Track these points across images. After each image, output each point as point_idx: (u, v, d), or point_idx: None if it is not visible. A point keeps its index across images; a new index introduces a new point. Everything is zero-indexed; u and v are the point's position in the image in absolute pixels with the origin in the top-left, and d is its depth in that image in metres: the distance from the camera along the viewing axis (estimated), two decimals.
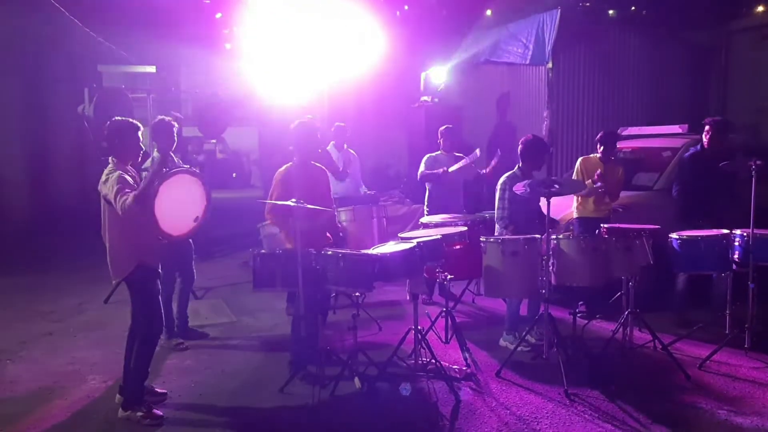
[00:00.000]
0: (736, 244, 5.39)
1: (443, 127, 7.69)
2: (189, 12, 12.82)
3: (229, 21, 12.70)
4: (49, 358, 5.81)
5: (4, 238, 10.02)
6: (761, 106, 10.76)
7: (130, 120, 4.56)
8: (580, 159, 6.85)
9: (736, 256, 5.40)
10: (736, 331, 5.44)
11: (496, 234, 5.87)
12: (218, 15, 13.06)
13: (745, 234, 5.32)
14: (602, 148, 6.66)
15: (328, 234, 5.40)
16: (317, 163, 5.55)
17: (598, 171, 6.48)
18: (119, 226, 4.36)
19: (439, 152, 7.56)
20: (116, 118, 4.61)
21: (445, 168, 7.28)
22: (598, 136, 6.78)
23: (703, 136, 6.51)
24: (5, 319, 6.99)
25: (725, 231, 5.50)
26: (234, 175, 16.09)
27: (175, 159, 5.88)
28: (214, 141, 14.04)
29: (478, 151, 7.45)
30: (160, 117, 5.83)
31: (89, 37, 11.03)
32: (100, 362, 5.65)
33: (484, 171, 7.46)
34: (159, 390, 4.90)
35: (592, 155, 6.81)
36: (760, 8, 10.83)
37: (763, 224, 5.32)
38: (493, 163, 7.33)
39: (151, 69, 12.52)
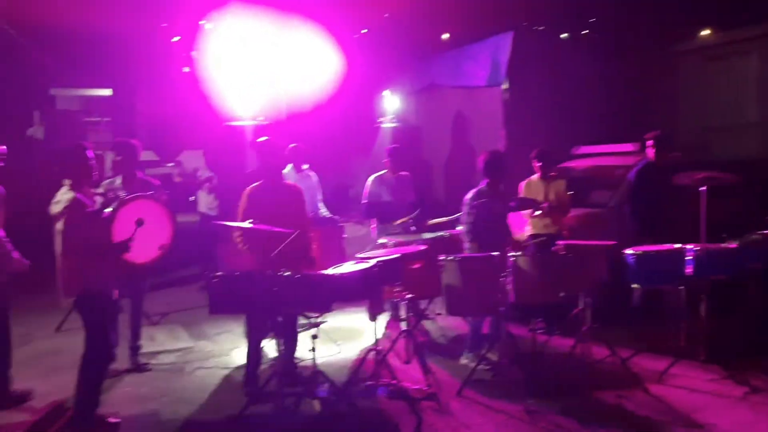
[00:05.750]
0: (689, 258, 5.49)
1: (389, 146, 7.68)
2: (146, 35, 12.68)
3: (187, 44, 12.60)
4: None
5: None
6: (707, 125, 11.11)
7: (81, 142, 4.47)
8: (522, 184, 6.94)
9: (688, 270, 5.50)
10: (690, 344, 5.53)
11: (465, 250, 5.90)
12: (176, 38, 12.94)
13: (697, 248, 5.43)
14: (540, 164, 6.77)
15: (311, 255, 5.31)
16: (289, 183, 5.48)
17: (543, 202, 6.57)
18: (72, 249, 4.24)
19: (384, 171, 7.52)
20: (73, 142, 4.53)
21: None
22: (533, 154, 6.88)
23: (648, 151, 6.66)
24: None
25: (678, 245, 5.61)
26: (191, 198, 15.78)
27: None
28: (171, 164, 13.81)
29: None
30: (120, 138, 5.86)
31: (40, 59, 10.80)
32: (52, 391, 5.42)
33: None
34: (112, 420, 4.73)
35: (533, 177, 6.90)
36: (706, 31, 11.21)
37: (715, 238, 5.45)
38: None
39: (107, 92, 12.35)
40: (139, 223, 4.29)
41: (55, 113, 9.42)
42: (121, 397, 5.31)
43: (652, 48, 11.60)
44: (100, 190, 5.56)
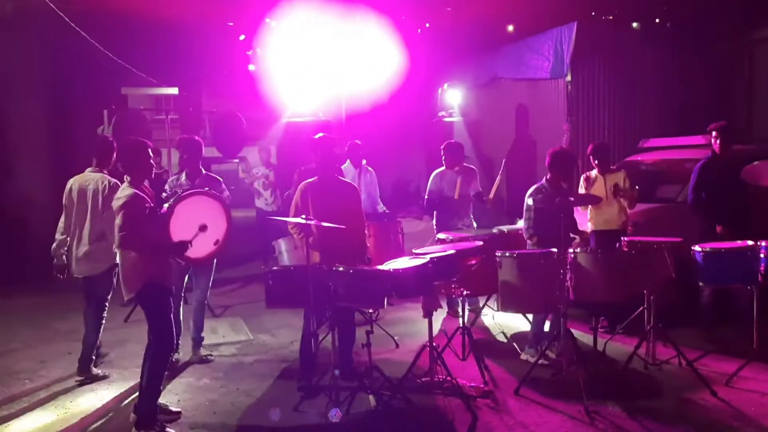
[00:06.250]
0: (762, 256, 5.21)
1: (446, 142, 7.60)
2: (213, 34, 12.99)
3: (252, 42, 12.85)
4: (67, 377, 5.82)
5: (32, 260, 10.15)
6: None
7: (141, 139, 4.60)
8: (582, 177, 6.76)
9: (762, 267, 5.22)
10: (762, 346, 5.26)
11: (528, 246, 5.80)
12: (242, 37, 13.21)
13: None
14: (596, 161, 6.57)
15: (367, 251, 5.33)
16: (345, 179, 5.51)
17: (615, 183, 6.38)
18: (131, 244, 4.37)
19: (443, 168, 7.46)
20: (130, 138, 4.67)
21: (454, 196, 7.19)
22: (589, 151, 6.68)
23: (712, 142, 6.36)
24: (27, 339, 7.06)
25: (750, 242, 5.34)
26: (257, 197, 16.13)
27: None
28: (236, 160, 14.13)
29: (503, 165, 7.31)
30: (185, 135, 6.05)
31: (112, 60, 11.22)
32: (116, 381, 5.66)
33: (487, 198, 7.32)
34: (173, 409, 4.87)
35: (592, 171, 6.70)
36: None
37: None
38: (494, 187, 7.21)
39: (174, 90, 12.71)
40: (203, 228, 4.38)
41: (123, 111, 9.75)
42: (182, 387, 5.46)
43: (728, 36, 11.08)
44: (166, 186, 5.75)
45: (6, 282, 9.43)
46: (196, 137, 6.06)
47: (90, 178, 5.54)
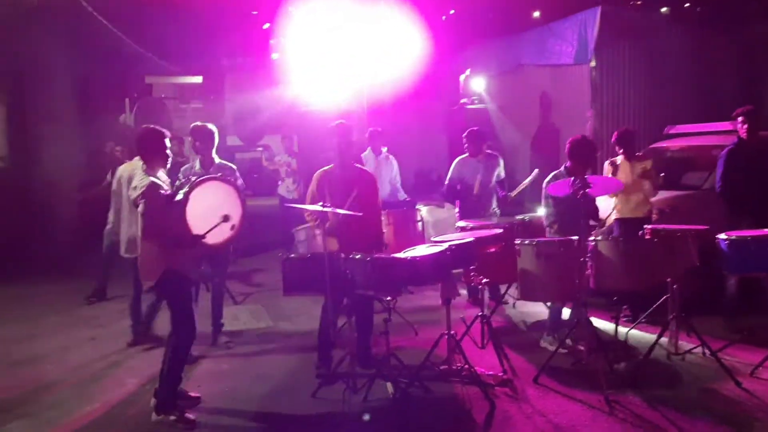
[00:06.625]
0: None
1: (468, 129, 7.51)
2: (237, 23, 13.03)
3: (276, 31, 12.85)
4: (90, 362, 5.92)
5: (58, 246, 10.33)
6: None
7: (157, 127, 4.61)
8: (606, 163, 6.65)
9: None
10: None
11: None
12: (266, 26, 13.23)
13: None
14: (621, 149, 6.45)
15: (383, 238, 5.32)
16: (361, 166, 5.48)
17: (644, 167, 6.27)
18: (150, 232, 4.40)
19: (466, 155, 7.39)
20: (146, 126, 4.69)
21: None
22: (614, 139, 6.55)
23: (739, 128, 6.20)
24: (51, 325, 7.18)
25: None
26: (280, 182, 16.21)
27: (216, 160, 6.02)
28: (260, 149, 14.20)
29: (536, 171, 7.23)
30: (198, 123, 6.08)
31: (137, 49, 11.32)
32: (138, 366, 5.73)
33: (509, 195, 7.25)
34: (192, 394, 4.92)
35: (617, 157, 6.58)
36: None
37: None
38: (520, 188, 7.14)
39: (198, 79, 12.80)
40: (226, 218, 4.38)
41: (144, 100, 9.86)
42: (202, 374, 5.51)
43: (758, 20, 10.79)
44: (179, 174, 5.78)
45: (30, 268, 9.61)
46: (209, 125, 6.04)
47: (135, 166, 5.57)
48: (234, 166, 6.00)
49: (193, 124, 6.02)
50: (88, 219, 8.11)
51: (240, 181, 5.65)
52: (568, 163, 5.79)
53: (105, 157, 8.12)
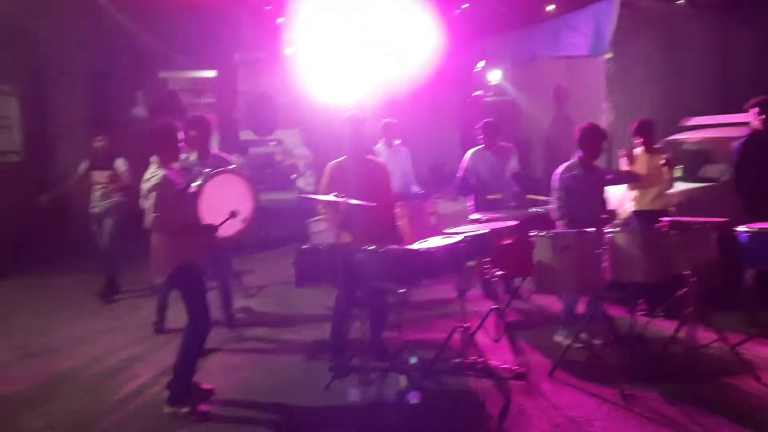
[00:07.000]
0: None
1: (483, 121, 7.43)
2: (251, 17, 13.01)
3: (289, 26, 12.81)
4: (104, 354, 5.95)
5: (73, 239, 10.37)
6: None
7: (168, 120, 4.61)
8: (622, 152, 6.55)
9: None
10: None
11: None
12: (279, 20, 13.19)
13: None
14: (641, 139, 6.33)
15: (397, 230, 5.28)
16: (374, 158, 5.45)
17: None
18: (163, 225, 4.40)
19: (480, 147, 7.32)
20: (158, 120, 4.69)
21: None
22: (633, 128, 6.44)
23: (754, 119, 6.08)
24: (67, 318, 7.21)
25: None
26: (293, 176, 16.25)
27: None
28: (273, 143, 14.18)
29: None
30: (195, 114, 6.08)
31: (151, 44, 11.34)
32: (153, 358, 5.75)
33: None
34: (205, 386, 4.91)
35: (636, 150, 6.48)
36: None
37: None
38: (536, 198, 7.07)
39: (212, 73, 12.81)
40: (234, 214, 4.37)
41: (157, 94, 9.89)
42: (215, 366, 5.51)
43: None
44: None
45: (47, 260, 9.68)
46: (206, 116, 6.02)
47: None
48: (230, 158, 5.96)
49: (191, 115, 6.01)
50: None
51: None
52: (580, 154, 5.71)
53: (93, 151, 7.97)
